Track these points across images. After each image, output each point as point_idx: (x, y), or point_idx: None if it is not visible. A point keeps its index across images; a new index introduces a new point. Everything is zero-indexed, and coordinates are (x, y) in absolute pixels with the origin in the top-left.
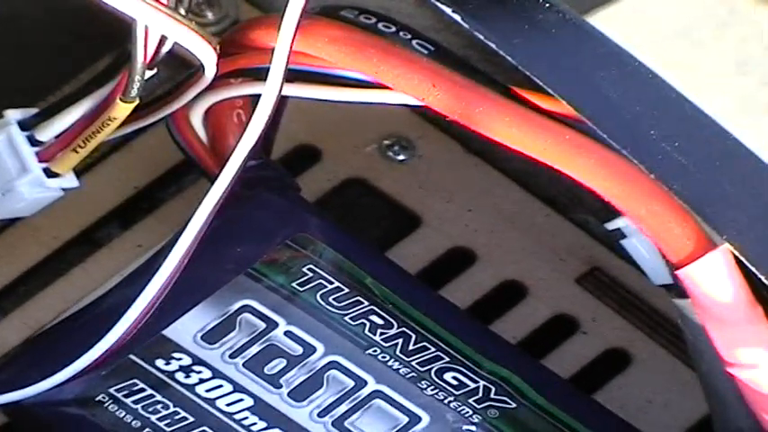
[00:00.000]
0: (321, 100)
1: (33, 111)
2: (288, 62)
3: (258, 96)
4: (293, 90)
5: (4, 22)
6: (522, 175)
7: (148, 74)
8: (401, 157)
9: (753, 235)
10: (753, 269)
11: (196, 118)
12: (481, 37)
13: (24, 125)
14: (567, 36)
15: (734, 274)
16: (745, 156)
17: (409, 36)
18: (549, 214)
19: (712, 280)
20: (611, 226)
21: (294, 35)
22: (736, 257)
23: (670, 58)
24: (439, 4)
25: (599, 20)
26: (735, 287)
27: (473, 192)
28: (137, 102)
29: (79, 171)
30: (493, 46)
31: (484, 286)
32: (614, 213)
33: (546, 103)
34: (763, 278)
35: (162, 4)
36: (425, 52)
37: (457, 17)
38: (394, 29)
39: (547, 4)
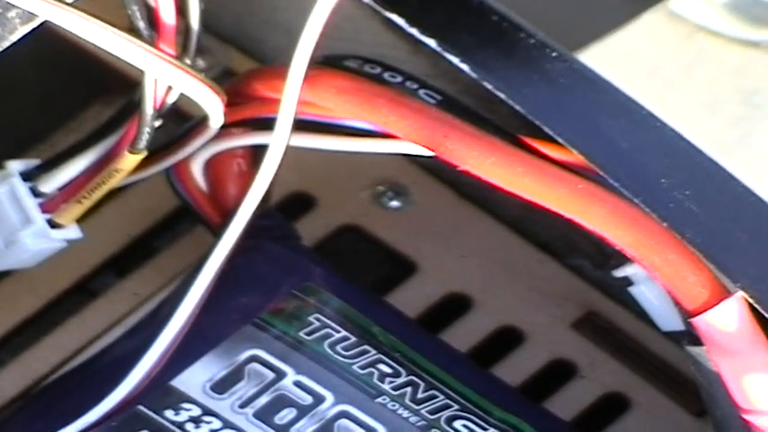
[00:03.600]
0: (326, 150)
1: (35, 162)
2: (295, 112)
3: (261, 147)
4: (299, 140)
5: None
6: (516, 220)
7: (156, 124)
8: (395, 204)
9: (766, 281)
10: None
11: (197, 167)
12: (490, 87)
13: (27, 176)
14: (575, 85)
15: (749, 321)
16: (755, 203)
17: (416, 86)
18: (543, 260)
19: (728, 327)
20: (618, 273)
21: (302, 85)
22: (750, 304)
23: (640, 99)
24: (447, 55)
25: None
26: (750, 334)
27: (467, 238)
28: (145, 153)
29: None
30: (502, 96)
31: (481, 332)
32: (613, 260)
33: (556, 152)
34: None
35: (169, 54)
36: (433, 102)
37: (465, 67)
38: (400, 78)
39: (554, 54)
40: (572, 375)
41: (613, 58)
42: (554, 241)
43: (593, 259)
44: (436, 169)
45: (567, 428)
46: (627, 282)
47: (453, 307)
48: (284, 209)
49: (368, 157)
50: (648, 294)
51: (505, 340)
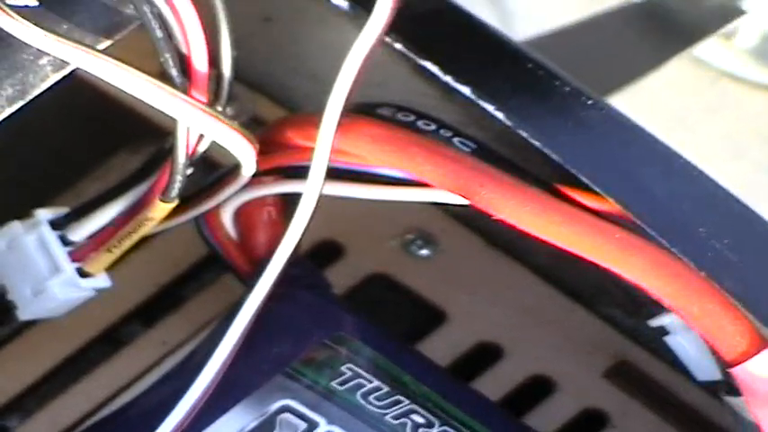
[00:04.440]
0: (359, 198)
1: (64, 210)
2: (328, 160)
3: (292, 195)
4: (333, 188)
5: (18, 118)
6: (546, 269)
7: (188, 172)
8: (424, 252)
9: None
10: None
11: (227, 216)
12: (525, 135)
13: (56, 224)
14: (610, 133)
15: None
16: None
17: (450, 134)
18: (574, 308)
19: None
20: (654, 323)
21: (334, 133)
22: None
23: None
24: (481, 102)
25: None
26: None
27: (497, 286)
28: (176, 202)
29: None
30: (537, 144)
31: (511, 381)
32: (645, 309)
33: (592, 201)
34: None
35: (202, 102)
36: (468, 150)
37: (500, 115)
38: (434, 126)
39: (589, 101)
40: (603, 425)
41: (637, 103)
42: (585, 290)
43: (624, 308)
44: (465, 217)
45: None
46: (662, 331)
47: (483, 356)
48: (313, 257)
49: (397, 205)
50: (685, 344)
51: (536, 389)
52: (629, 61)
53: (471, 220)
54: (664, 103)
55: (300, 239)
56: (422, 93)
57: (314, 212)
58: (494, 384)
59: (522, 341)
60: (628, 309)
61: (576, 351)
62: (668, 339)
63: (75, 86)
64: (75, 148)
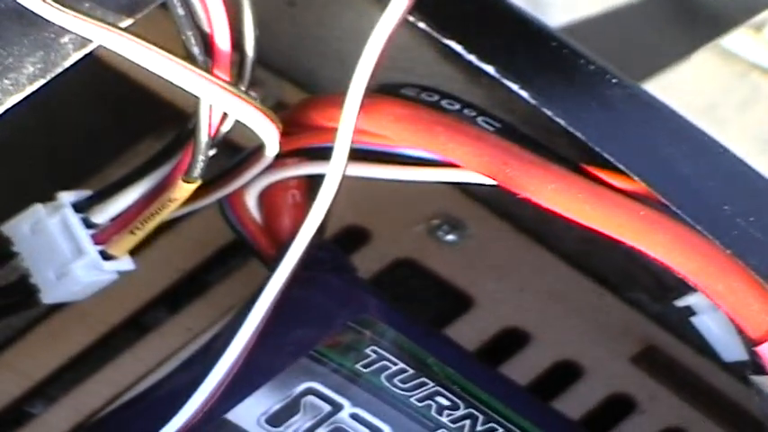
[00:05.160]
0: (384, 179)
1: (87, 192)
2: (351, 141)
3: (316, 177)
4: (356, 169)
5: (44, 105)
6: (573, 254)
7: (210, 153)
8: (450, 238)
9: None
10: None
11: (251, 199)
12: (550, 114)
13: (78, 207)
14: (635, 112)
15: None
16: None
17: (474, 113)
18: (601, 293)
19: None
20: (680, 303)
21: (358, 113)
22: None
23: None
24: (505, 81)
25: None
26: None
27: (524, 271)
28: (199, 182)
29: None
30: (562, 122)
31: (538, 367)
32: (672, 292)
33: (617, 180)
34: None
35: (225, 81)
36: (492, 129)
37: (524, 94)
38: (458, 106)
39: (614, 80)
40: (631, 410)
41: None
42: (612, 275)
43: (651, 293)
44: (493, 202)
45: None
46: (689, 312)
47: (510, 341)
48: (339, 242)
49: (423, 190)
50: (711, 324)
51: (564, 375)
52: (656, 51)
53: (498, 205)
54: (692, 97)
55: (324, 222)
56: (448, 77)
57: (337, 194)
58: (521, 370)
59: (549, 327)
60: (654, 293)
61: (604, 336)
62: (695, 320)
63: (101, 71)
64: (102, 133)
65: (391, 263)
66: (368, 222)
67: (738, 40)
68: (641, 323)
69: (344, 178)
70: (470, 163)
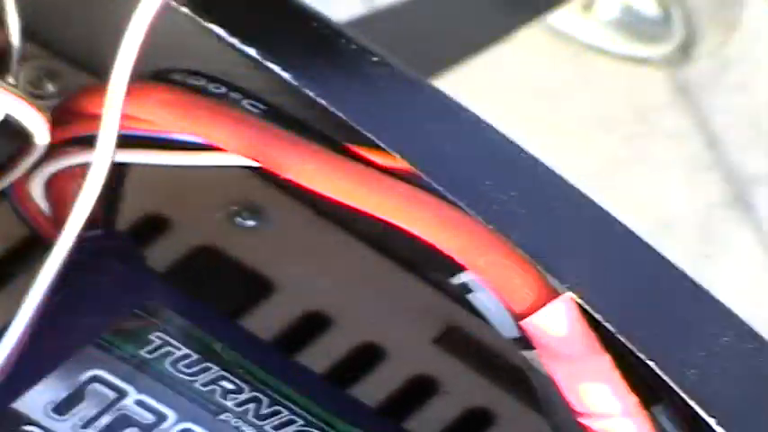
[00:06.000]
0: (155, 165)
1: None
2: (118, 127)
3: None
4: (127, 156)
5: None
6: (373, 236)
7: None
8: (250, 223)
9: (595, 282)
10: (597, 316)
11: (37, 188)
12: (312, 94)
13: None
14: (397, 90)
15: (578, 323)
16: (583, 203)
17: (240, 96)
18: (402, 275)
19: (556, 329)
20: (456, 280)
21: (122, 100)
22: (580, 305)
23: (532, 117)
24: (268, 63)
25: (460, 79)
26: (580, 336)
27: (325, 255)
28: None
29: None
30: (324, 103)
31: (341, 350)
32: (459, 268)
33: (380, 158)
34: (608, 325)
35: None
36: (257, 112)
37: (287, 75)
38: (224, 89)
39: (375, 59)
40: (434, 391)
41: (500, 79)
42: (413, 256)
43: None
44: (292, 187)
45: None
46: (465, 289)
47: (313, 326)
48: (138, 231)
49: (222, 176)
50: (486, 301)
51: (366, 358)
52: (479, 30)
53: (297, 189)
54: (525, 78)
55: (112, 210)
56: (233, 62)
57: (106, 180)
58: (324, 353)
59: (350, 310)
60: (444, 271)
61: (406, 318)
62: (471, 297)
63: None
64: None
65: (192, 250)
66: (167, 210)
67: (569, 20)
68: (443, 304)
69: (125, 166)
70: (233, 146)
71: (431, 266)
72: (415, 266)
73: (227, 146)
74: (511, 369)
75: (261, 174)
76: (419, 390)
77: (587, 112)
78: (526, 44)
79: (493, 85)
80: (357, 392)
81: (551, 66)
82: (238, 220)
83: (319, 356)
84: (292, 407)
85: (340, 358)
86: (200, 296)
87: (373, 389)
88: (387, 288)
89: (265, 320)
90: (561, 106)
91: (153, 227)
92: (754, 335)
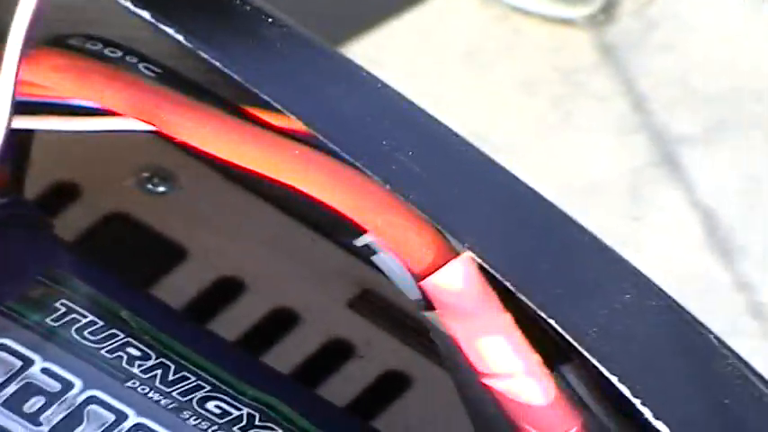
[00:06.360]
0: (53, 131)
1: None
2: (14, 93)
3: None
4: (24, 122)
5: None
6: (284, 200)
7: None
8: (161, 189)
9: (494, 241)
10: (497, 275)
11: None
12: (207, 57)
13: None
14: (292, 51)
15: (477, 282)
16: (482, 162)
17: (136, 60)
18: (316, 239)
19: (456, 289)
20: (359, 242)
21: (16, 66)
22: (479, 265)
23: (460, 81)
24: (162, 26)
25: (386, 44)
26: (480, 295)
27: (237, 220)
28: None
29: None
30: (218, 65)
31: (254, 315)
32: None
33: (276, 119)
34: (508, 284)
35: None
36: (153, 75)
37: (180, 38)
38: (120, 53)
39: (270, 20)
40: (350, 355)
41: (427, 40)
42: (325, 220)
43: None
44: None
45: (331, 407)
46: (370, 251)
47: (226, 291)
48: (47, 199)
49: (132, 142)
50: (389, 262)
51: (280, 322)
52: None
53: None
54: (453, 42)
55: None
56: (138, 26)
57: (12, 149)
58: (237, 319)
59: (264, 275)
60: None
61: (320, 282)
62: (375, 259)
63: None
64: None
65: (103, 217)
66: (77, 177)
67: None
68: (357, 267)
69: (29, 133)
70: (127, 109)
71: (337, 229)
72: (325, 229)
73: (123, 110)
74: (426, 331)
75: (169, 139)
76: (334, 354)
77: (514, 74)
78: (453, 8)
79: (420, 50)
80: (272, 357)
81: (479, 29)
82: (149, 186)
83: (232, 322)
84: (200, 373)
85: (254, 323)
86: (113, 264)
87: (288, 353)
88: (300, 252)
89: (178, 287)
90: (488, 70)
91: (63, 195)
92: (657, 292)
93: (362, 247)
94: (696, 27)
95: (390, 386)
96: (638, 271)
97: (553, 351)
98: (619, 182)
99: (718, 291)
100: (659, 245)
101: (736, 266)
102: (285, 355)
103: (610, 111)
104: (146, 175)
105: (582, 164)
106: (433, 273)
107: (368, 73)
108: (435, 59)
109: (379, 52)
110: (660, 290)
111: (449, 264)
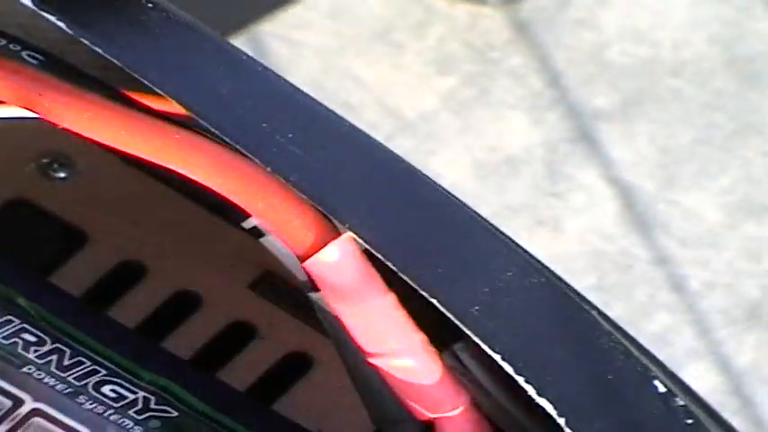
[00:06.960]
0: None
1: None
2: None
3: None
4: None
5: None
6: (183, 183)
7: None
8: (61, 175)
9: (376, 221)
10: (379, 255)
11: None
12: (87, 43)
13: None
14: (172, 34)
15: (359, 263)
16: (362, 142)
17: (19, 47)
18: (215, 221)
19: (338, 270)
20: (247, 224)
21: None
22: (361, 246)
23: (371, 60)
24: (44, 14)
25: (298, 24)
26: (361, 275)
27: (137, 204)
28: None
29: None
30: (99, 50)
31: (155, 299)
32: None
33: (156, 103)
34: (389, 264)
35: None
36: (35, 62)
37: (62, 25)
38: (4, 41)
39: (150, 4)
40: (252, 337)
41: (341, 19)
42: (218, 202)
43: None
44: None
45: (229, 390)
46: (258, 233)
47: (126, 275)
48: None
49: (30, 129)
50: (275, 244)
51: (182, 306)
52: None
53: None
54: (367, 21)
55: None
56: (34, 16)
57: None
58: (138, 303)
59: (165, 258)
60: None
61: (221, 265)
62: (263, 241)
63: None
64: None
65: (3, 205)
66: None
67: None
68: (258, 249)
69: None
70: (9, 97)
71: (228, 212)
72: (226, 212)
73: (5, 97)
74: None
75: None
76: (236, 336)
77: (428, 52)
78: None
79: (334, 29)
80: (173, 341)
81: (394, 8)
82: (49, 171)
83: (133, 307)
84: (96, 357)
85: (155, 308)
86: (13, 251)
87: (189, 337)
88: (200, 235)
89: (79, 272)
90: (403, 48)
91: None
92: (538, 269)
93: (251, 229)
94: (610, 2)
95: (293, 367)
96: (521, 248)
97: (448, 330)
98: (536, 158)
99: (638, 266)
100: (577, 221)
101: (654, 241)
102: (187, 339)
103: (525, 87)
104: (46, 160)
105: (498, 141)
106: (314, 253)
107: (249, 57)
108: (350, 38)
109: (292, 31)
110: (543, 266)
111: (330, 244)
